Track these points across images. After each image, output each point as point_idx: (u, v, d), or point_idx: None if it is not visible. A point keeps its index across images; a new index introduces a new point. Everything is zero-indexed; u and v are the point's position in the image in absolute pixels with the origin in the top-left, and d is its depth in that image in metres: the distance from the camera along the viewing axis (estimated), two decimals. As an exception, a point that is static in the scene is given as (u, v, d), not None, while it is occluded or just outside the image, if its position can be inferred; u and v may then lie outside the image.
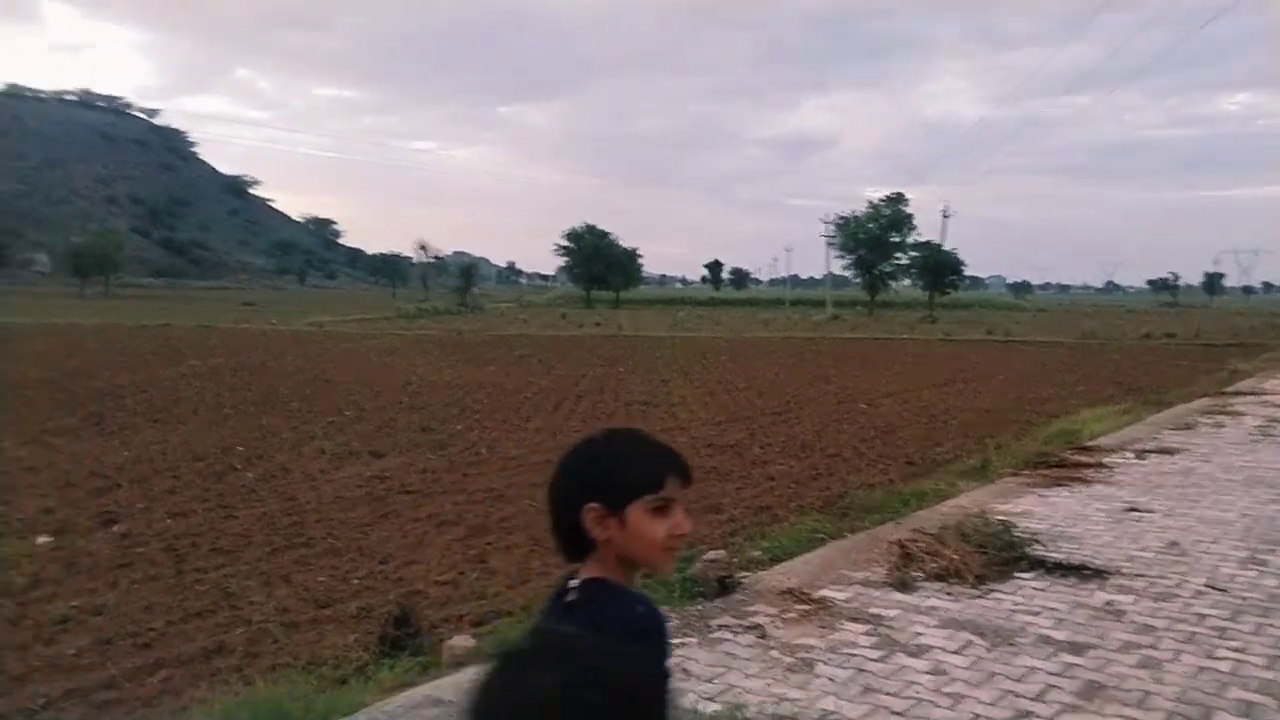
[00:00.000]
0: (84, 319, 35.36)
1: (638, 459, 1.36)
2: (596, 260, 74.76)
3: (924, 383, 17.91)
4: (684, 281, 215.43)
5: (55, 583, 5.59)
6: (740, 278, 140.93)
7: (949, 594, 4.93)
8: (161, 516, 7.19)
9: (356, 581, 5.73)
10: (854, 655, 4.04)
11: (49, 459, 9.32)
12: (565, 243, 76.74)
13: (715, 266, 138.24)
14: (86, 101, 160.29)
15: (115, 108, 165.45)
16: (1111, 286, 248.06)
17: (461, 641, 4.26)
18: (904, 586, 5.05)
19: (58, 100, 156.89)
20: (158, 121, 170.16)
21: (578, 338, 32.04)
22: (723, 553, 5.34)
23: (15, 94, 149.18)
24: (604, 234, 77.40)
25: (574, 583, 1.35)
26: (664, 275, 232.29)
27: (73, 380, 15.78)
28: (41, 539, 6.47)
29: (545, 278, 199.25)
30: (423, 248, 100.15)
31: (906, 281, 70.58)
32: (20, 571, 5.73)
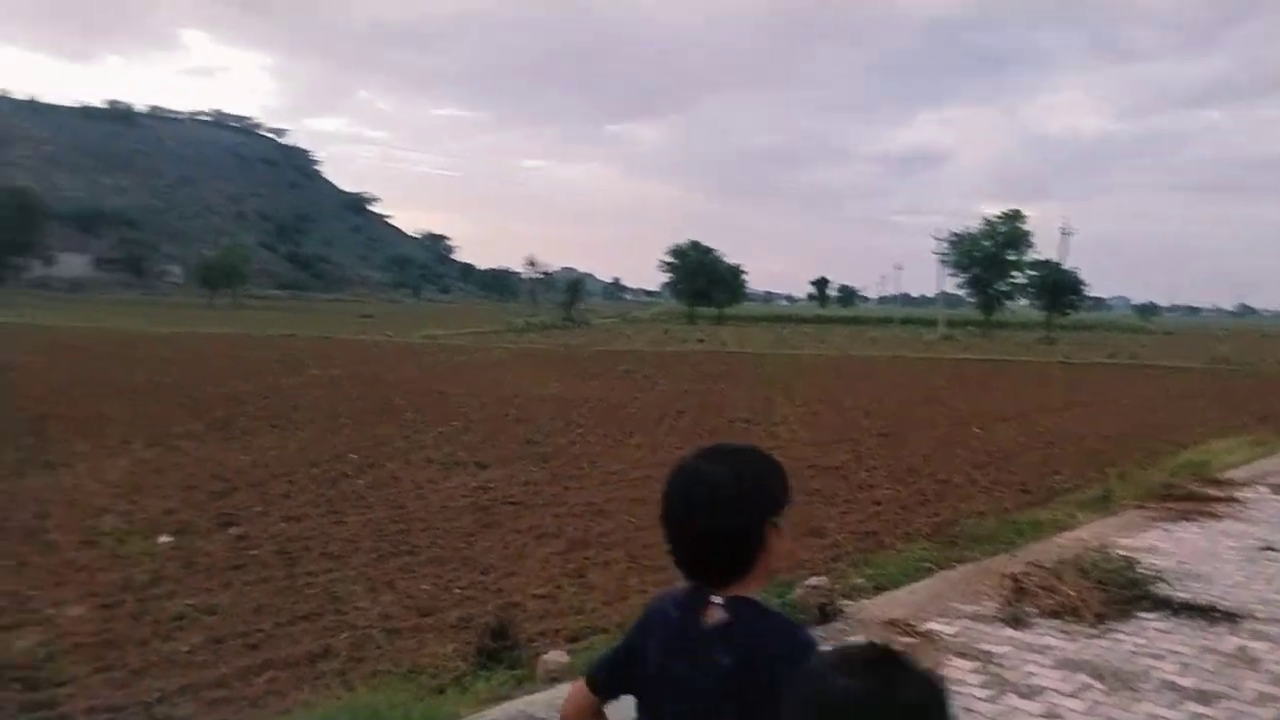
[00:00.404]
0: (213, 328, 37.23)
1: (781, 473, 1.39)
2: (701, 276, 74.81)
3: (1041, 407, 17.20)
4: (789, 298, 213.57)
5: (174, 581, 5.84)
6: (847, 295, 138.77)
7: (1065, 633, 4.68)
8: (276, 520, 7.45)
9: (458, 591, 5.80)
10: (961, 694, 3.86)
11: (174, 461, 9.79)
12: (670, 259, 77.07)
13: (821, 283, 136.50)
14: (220, 122, 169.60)
15: (246, 128, 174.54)
16: (1245, 309, 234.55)
17: (556, 657, 4.25)
18: (1016, 622, 4.81)
19: (193, 121, 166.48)
20: (285, 141, 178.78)
21: (681, 354, 32.05)
22: (824, 579, 5.20)
23: (156, 115, 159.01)
24: (708, 250, 77.42)
25: (718, 599, 1.32)
26: (769, 292, 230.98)
27: (200, 387, 16.59)
28: (163, 538, 6.78)
29: (650, 293, 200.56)
30: (532, 263, 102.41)
31: (1023, 301, 68.29)
32: (142, 569, 6.02)
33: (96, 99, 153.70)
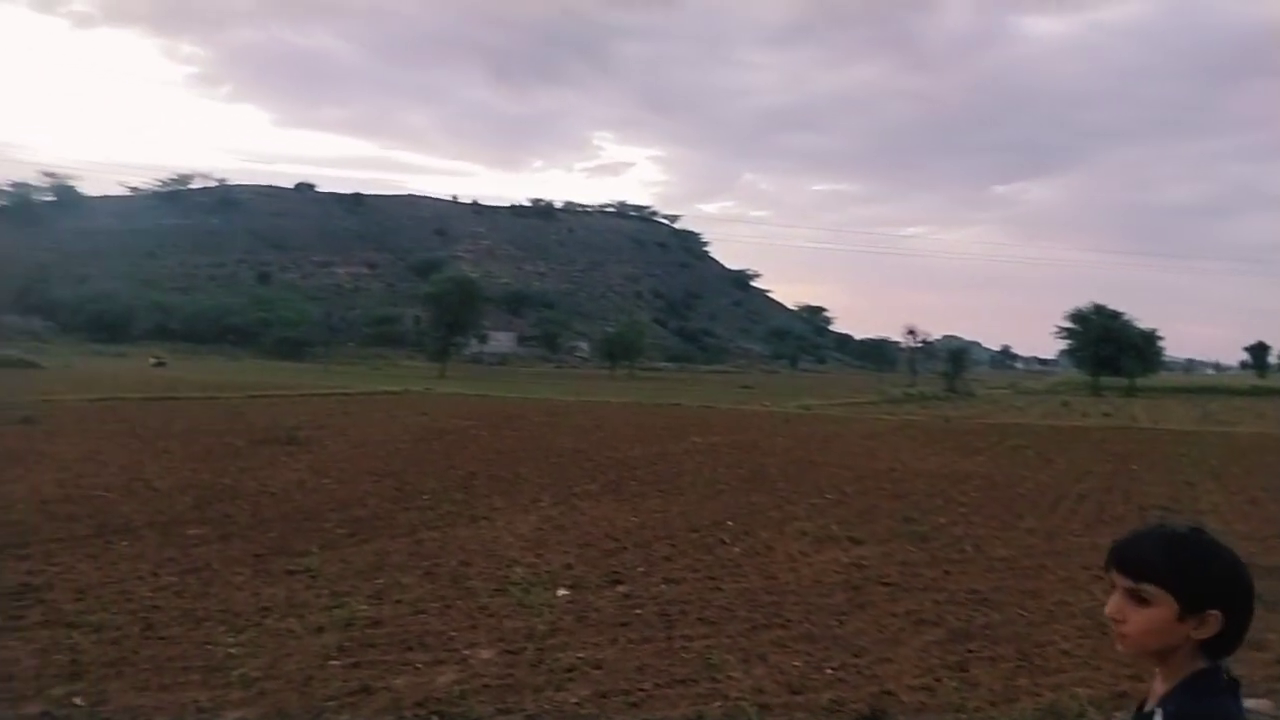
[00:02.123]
0: (611, 397, 40.48)
1: None
2: (1106, 343, 67.68)
3: None
4: (1217, 367, 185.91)
5: (568, 633, 6.29)
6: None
7: None
8: (658, 581, 7.79)
9: (830, 671, 5.63)
10: None
11: (574, 519, 10.66)
12: (1068, 324, 70.84)
13: (1259, 350, 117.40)
14: (622, 212, 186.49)
15: (644, 216, 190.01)
16: None
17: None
18: None
19: (600, 212, 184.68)
20: (678, 226, 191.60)
21: (1082, 429, 29.10)
22: (1265, 702, 4.32)
23: (569, 209, 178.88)
24: (1115, 314, 70.05)
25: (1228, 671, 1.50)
26: (1191, 360, 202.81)
27: (598, 450, 18.02)
28: (561, 591, 7.36)
29: (1044, 362, 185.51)
30: (911, 332, 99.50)
31: None
32: (543, 620, 6.56)
33: (524, 198, 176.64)
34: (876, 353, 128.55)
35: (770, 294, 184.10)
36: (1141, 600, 1.49)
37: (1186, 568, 1.47)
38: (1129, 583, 1.51)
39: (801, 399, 43.55)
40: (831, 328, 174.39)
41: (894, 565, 8.62)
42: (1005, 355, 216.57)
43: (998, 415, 35.60)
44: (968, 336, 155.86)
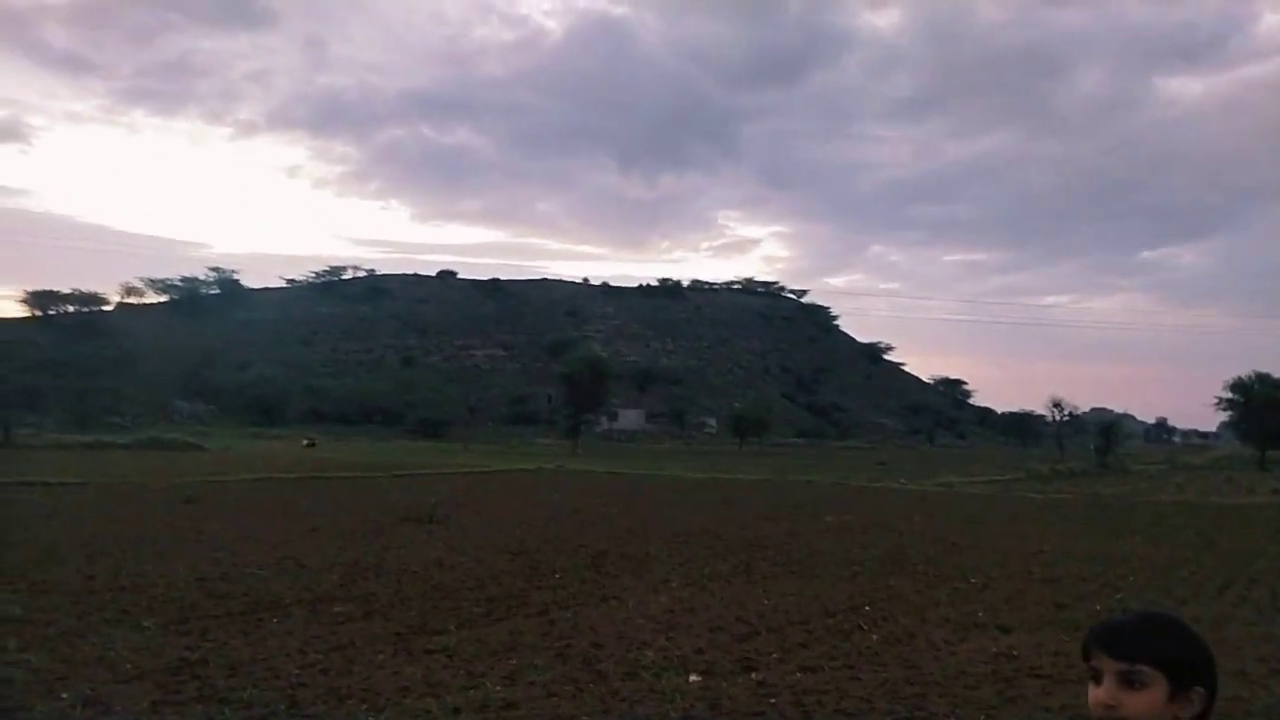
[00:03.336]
0: (740, 474, 40.01)
1: None
2: (1271, 414, 62.74)
3: None
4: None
5: (701, 721, 6.13)
6: None
7: None
8: (793, 669, 7.53)
9: (979, 772, 5.27)
10: None
11: (705, 602, 10.48)
12: (1229, 394, 66.14)
13: None
14: (748, 289, 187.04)
15: (771, 292, 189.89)
16: None
17: None
18: None
19: (727, 290, 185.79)
20: (805, 300, 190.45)
21: (1249, 506, 26.88)
22: None
23: (696, 288, 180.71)
24: (1280, 383, 65.00)
25: None
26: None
27: (728, 528, 17.77)
28: (693, 677, 7.20)
29: (1204, 435, 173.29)
30: (1056, 405, 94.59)
31: None
32: (675, 706, 6.41)
33: (652, 278, 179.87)
34: (1020, 426, 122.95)
35: (904, 367, 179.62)
36: (1135, 684, 1.54)
37: (1178, 647, 1.54)
38: (1123, 665, 1.56)
39: (941, 476, 41.95)
40: (971, 401, 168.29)
41: (1046, 656, 8.08)
42: (1161, 428, 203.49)
43: (1155, 493, 33.34)
44: (1118, 408, 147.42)
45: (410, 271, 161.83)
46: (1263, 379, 65.58)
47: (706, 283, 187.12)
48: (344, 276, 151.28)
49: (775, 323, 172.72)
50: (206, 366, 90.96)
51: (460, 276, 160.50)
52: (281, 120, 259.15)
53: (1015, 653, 8.19)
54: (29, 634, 7.98)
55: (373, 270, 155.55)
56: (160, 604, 9.44)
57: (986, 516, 22.55)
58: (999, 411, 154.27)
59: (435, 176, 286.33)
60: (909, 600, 10.78)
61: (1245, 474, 50.33)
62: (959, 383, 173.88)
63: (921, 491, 31.96)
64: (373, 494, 23.97)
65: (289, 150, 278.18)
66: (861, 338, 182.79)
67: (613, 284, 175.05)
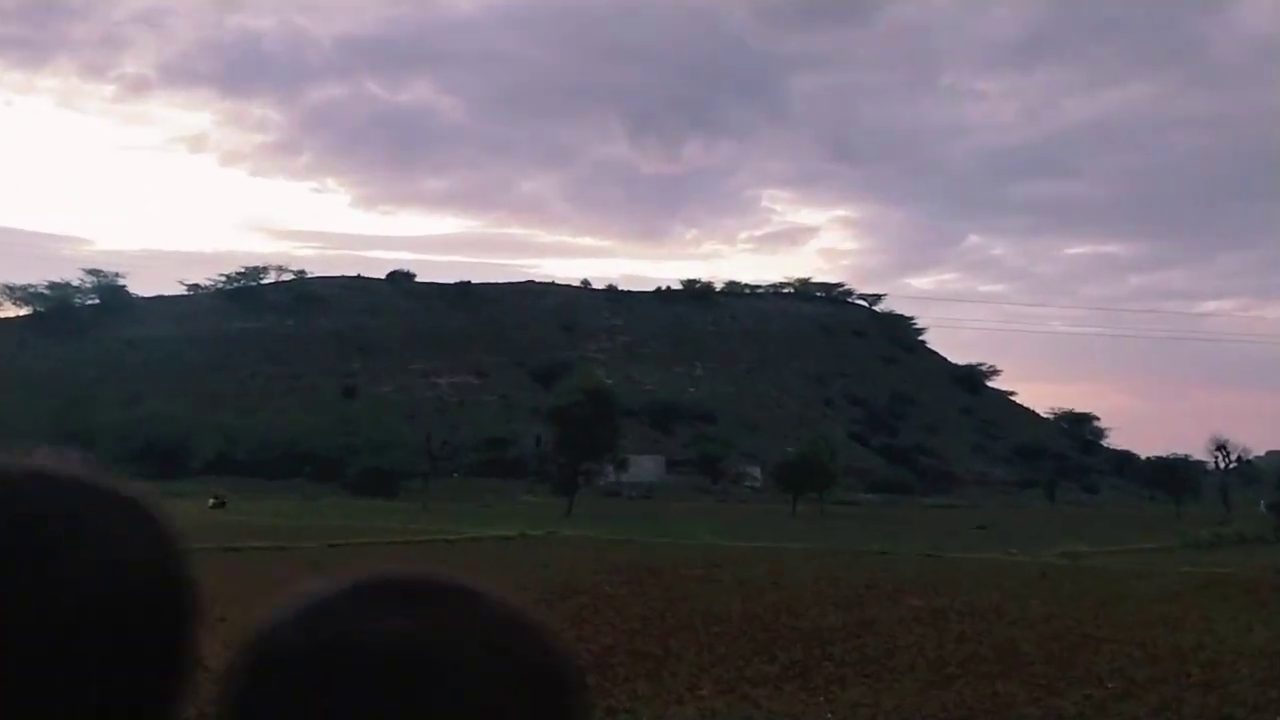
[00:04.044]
0: (794, 541, 39.88)
1: None
2: None
3: None
4: None
5: None
6: None
7: None
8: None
9: None
10: None
11: (746, 713, 10.44)
12: None
13: None
14: (803, 293, 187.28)
15: (833, 297, 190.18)
16: None
17: None
18: None
19: (774, 294, 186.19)
20: (879, 308, 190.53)
21: None
22: None
23: (733, 292, 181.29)
24: None
25: None
26: None
27: (778, 617, 17.70)
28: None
29: None
30: (1220, 447, 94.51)
31: None
32: None
33: (673, 279, 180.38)
34: (1171, 476, 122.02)
35: (1013, 397, 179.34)
36: None
37: None
38: None
39: (1064, 543, 41.68)
40: (1104, 442, 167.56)
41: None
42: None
43: (1356, 565, 32.99)
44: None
45: (352, 273, 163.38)
46: None
47: (747, 286, 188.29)
48: (264, 280, 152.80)
49: (840, 338, 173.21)
50: (81, 401, 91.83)
51: (419, 280, 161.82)
52: (181, 75, 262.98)
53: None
54: None
55: (303, 272, 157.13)
56: None
57: (1126, 598, 22.39)
58: (1142, 456, 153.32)
59: (386, 148, 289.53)
60: (1023, 711, 10.75)
61: None
62: (1087, 418, 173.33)
63: (1038, 565, 31.77)
64: (300, 570, 23.96)
65: (191, 115, 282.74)
66: (956, 358, 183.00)
67: (621, 288, 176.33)
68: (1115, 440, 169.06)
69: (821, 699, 11.25)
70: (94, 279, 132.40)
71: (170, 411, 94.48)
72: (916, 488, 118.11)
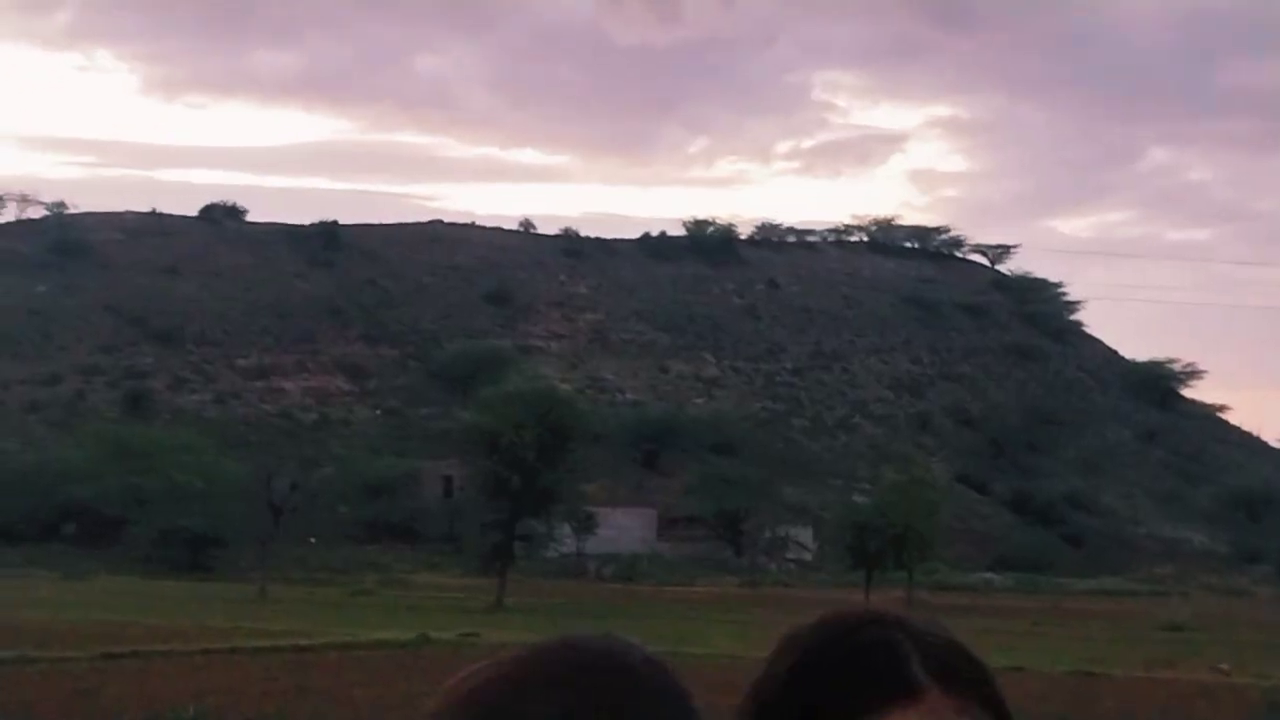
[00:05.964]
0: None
1: None
2: None
3: None
4: None
5: None
6: None
7: None
8: None
9: None
10: None
11: None
12: None
13: None
14: (883, 243, 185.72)
15: (932, 249, 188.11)
16: None
17: None
18: None
19: (833, 243, 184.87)
20: (1005, 269, 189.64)
21: None
22: None
23: (764, 239, 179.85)
24: None
25: None
26: None
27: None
28: None
29: None
30: None
31: None
32: None
33: (667, 219, 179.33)
34: None
35: (1222, 414, 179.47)
36: None
37: None
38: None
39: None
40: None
41: None
42: None
43: None
44: None
45: (144, 208, 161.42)
46: None
47: (790, 230, 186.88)
48: (0, 218, 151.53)
49: (943, 317, 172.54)
50: None
51: (252, 218, 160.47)
52: None
53: None
54: None
55: (61, 204, 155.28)
56: None
57: None
58: None
59: (191, 5, 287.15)
60: None
61: None
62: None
63: (1267, 692, 31.82)
64: (66, 698, 23.88)
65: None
66: (1131, 351, 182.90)
67: (585, 233, 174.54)
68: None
69: None
70: None
71: None
72: (1067, 560, 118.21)
